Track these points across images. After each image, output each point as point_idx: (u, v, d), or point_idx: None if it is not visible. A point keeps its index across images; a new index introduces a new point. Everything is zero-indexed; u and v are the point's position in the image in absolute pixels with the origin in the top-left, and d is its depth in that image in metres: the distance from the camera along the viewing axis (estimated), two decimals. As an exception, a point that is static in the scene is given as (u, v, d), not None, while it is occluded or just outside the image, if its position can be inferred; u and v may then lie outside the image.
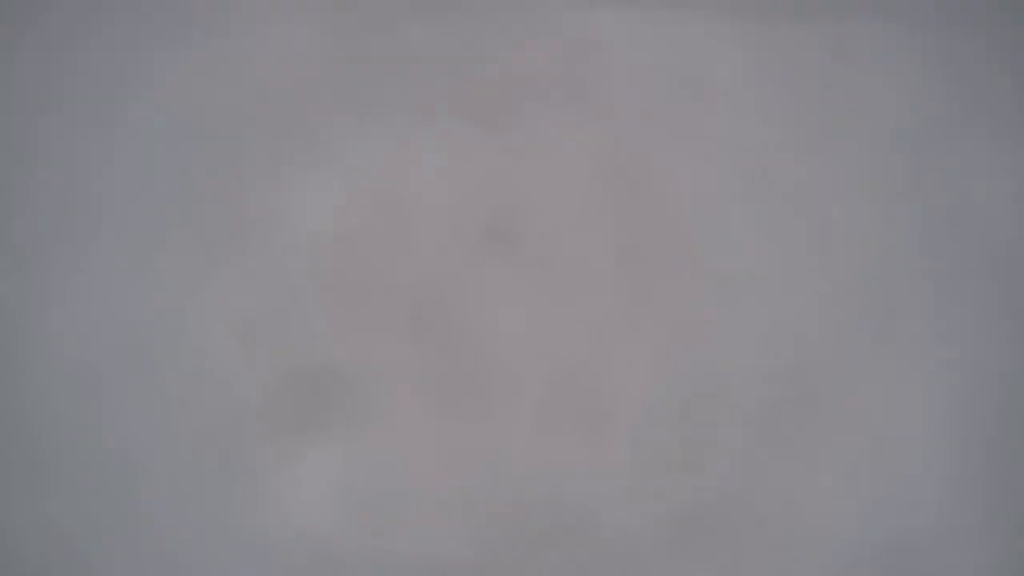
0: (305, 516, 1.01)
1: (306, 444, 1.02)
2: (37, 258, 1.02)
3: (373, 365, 1.02)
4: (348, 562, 1.01)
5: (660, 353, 1.03)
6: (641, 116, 1.06)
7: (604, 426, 1.03)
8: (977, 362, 1.05)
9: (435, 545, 1.01)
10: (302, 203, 1.04)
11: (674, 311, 1.04)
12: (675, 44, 1.07)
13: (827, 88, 1.07)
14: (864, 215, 1.06)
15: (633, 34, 1.07)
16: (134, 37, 1.05)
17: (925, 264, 1.05)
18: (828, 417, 1.03)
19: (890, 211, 1.06)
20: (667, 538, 1.02)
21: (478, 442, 1.02)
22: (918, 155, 1.07)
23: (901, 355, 1.04)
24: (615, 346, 1.03)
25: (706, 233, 1.05)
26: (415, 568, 1.01)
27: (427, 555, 1.01)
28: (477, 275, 1.04)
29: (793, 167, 1.06)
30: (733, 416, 1.03)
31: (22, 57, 1.04)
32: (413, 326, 1.03)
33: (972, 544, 1.03)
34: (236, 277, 1.03)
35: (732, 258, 1.05)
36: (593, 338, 1.03)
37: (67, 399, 1.01)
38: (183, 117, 1.04)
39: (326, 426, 1.02)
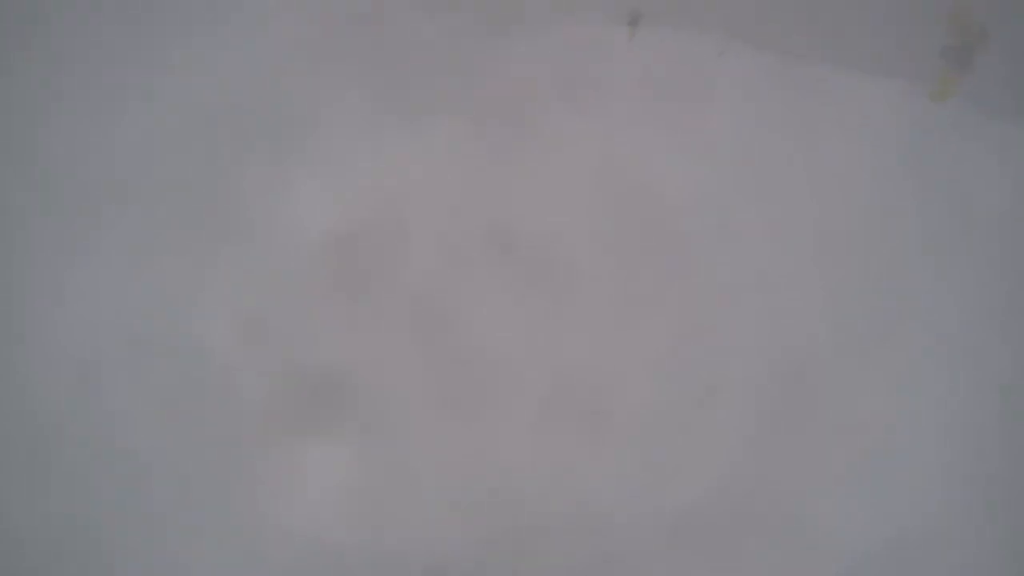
0: (306, 515, 1.01)
1: (308, 444, 1.02)
2: (36, 256, 1.02)
3: (374, 365, 1.02)
4: (348, 561, 1.01)
5: (660, 353, 1.03)
6: (641, 116, 1.06)
7: (604, 426, 1.03)
8: (979, 363, 1.05)
9: (435, 545, 1.01)
10: (302, 202, 1.04)
11: (674, 311, 1.04)
12: (675, 43, 1.07)
13: (827, 87, 1.07)
14: (866, 215, 1.06)
15: (632, 33, 1.07)
16: (132, 35, 1.05)
17: (926, 263, 1.05)
18: (829, 417, 1.03)
19: (892, 210, 1.06)
20: (667, 538, 1.02)
21: (479, 442, 1.02)
22: (920, 155, 1.07)
23: (902, 355, 1.04)
24: (615, 346, 1.03)
25: (706, 233, 1.05)
26: (415, 568, 1.01)
27: (427, 555, 1.01)
28: (478, 275, 1.04)
29: (794, 166, 1.06)
30: (733, 416, 1.03)
31: (21, 55, 1.04)
32: (414, 326, 1.03)
33: (973, 545, 1.03)
34: (237, 276, 1.03)
35: (732, 258, 1.05)
36: (594, 338, 1.03)
37: (68, 398, 1.01)
38: (182, 115, 1.04)
39: (327, 426, 1.02)
